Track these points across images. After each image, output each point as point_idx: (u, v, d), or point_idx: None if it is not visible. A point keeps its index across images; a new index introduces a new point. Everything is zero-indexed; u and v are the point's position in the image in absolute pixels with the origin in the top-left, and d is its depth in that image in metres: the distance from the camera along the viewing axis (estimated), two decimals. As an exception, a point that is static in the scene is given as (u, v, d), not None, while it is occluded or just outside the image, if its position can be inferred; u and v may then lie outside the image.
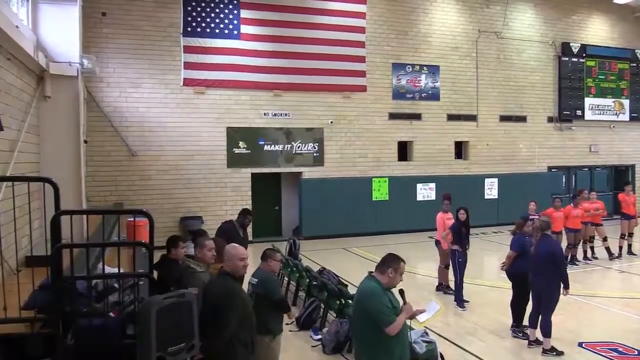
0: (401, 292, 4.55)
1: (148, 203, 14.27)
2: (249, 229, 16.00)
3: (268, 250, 5.58)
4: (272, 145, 16.69)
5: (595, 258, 13.41)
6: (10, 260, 5.92)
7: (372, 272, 4.54)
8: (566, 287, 7.14)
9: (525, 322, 7.89)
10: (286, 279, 10.27)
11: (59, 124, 9.28)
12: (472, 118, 19.44)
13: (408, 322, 4.53)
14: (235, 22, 16.02)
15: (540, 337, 7.31)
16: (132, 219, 8.54)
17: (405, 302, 4.46)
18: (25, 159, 7.95)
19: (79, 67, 9.65)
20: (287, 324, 7.91)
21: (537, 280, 7.31)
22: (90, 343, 4.19)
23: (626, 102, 22.20)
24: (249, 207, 16.27)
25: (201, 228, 8.91)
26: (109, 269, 5.22)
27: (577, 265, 12.74)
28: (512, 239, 8.41)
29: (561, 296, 7.20)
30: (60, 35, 9.32)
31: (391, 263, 4.41)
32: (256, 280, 5.32)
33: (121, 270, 4.68)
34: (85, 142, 11.58)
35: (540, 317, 7.29)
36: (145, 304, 3.92)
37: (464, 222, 9.49)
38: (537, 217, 11.72)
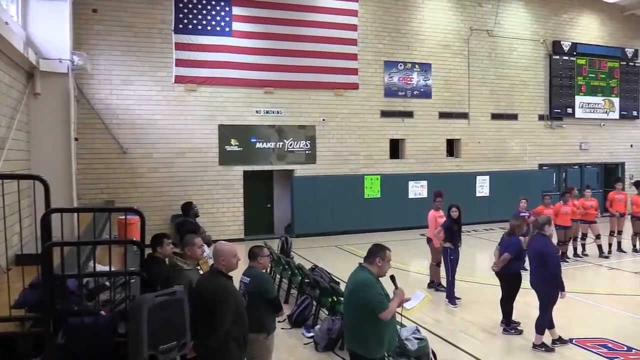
0: (392, 277, 4.76)
1: (139, 201, 14.23)
2: (242, 227, 16.22)
3: (255, 248, 5.53)
4: (264, 143, 16.66)
5: (586, 255, 13.51)
6: (0, 259, 5.87)
7: (362, 263, 4.71)
8: (561, 289, 7.05)
9: (515, 319, 7.97)
10: (278, 276, 10.28)
11: (49, 121, 9.20)
12: (464, 116, 19.50)
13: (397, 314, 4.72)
14: (227, 19, 15.96)
15: (552, 335, 7.34)
16: (123, 217, 8.50)
17: (396, 287, 4.66)
18: (15, 157, 7.88)
19: (70, 64, 9.56)
20: (279, 321, 7.94)
21: (532, 279, 7.30)
22: (81, 341, 4.16)
23: (616, 101, 22.37)
24: (241, 204, 16.34)
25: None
26: (100, 267, 5.20)
27: (568, 262, 12.82)
28: (510, 240, 8.05)
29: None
30: (51, 32, 9.23)
31: (378, 253, 4.61)
32: (248, 279, 5.30)
33: (112, 269, 4.65)
34: (76, 139, 11.48)
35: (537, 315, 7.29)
36: (136, 302, 3.91)
37: (456, 219, 9.52)
38: (527, 214, 11.85)
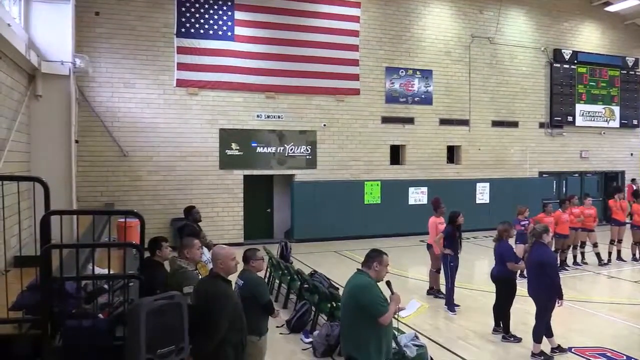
0: (388, 283, 4.81)
1: (139, 204, 14.21)
2: (242, 231, 16.21)
3: (248, 252, 5.51)
4: (265, 148, 16.67)
5: (585, 263, 13.48)
6: (-1, 260, 5.86)
7: (360, 268, 4.79)
8: (559, 297, 7.02)
9: (513, 326, 7.93)
10: (277, 281, 10.25)
11: (50, 123, 9.22)
12: (465, 123, 19.51)
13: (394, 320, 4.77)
14: (229, 23, 16.00)
15: (550, 345, 7.31)
16: (122, 220, 8.51)
17: (392, 292, 4.69)
18: (15, 158, 7.89)
19: (71, 66, 9.60)
20: (277, 326, 7.94)
21: (529, 287, 7.30)
22: (79, 344, 4.15)
23: (616, 109, 22.39)
24: (241, 209, 16.32)
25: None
26: (98, 270, 5.19)
27: (567, 270, 12.79)
28: (502, 246, 8.16)
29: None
30: (53, 34, 9.27)
31: (376, 257, 4.69)
32: (242, 282, 5.31)
33: (111, 272, 4.64)
34: (77, 141, 11.51)
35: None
36: (134, 306, 3.89)
37: (458, 226, 9.50)
38: (527, 222, 11.82)
